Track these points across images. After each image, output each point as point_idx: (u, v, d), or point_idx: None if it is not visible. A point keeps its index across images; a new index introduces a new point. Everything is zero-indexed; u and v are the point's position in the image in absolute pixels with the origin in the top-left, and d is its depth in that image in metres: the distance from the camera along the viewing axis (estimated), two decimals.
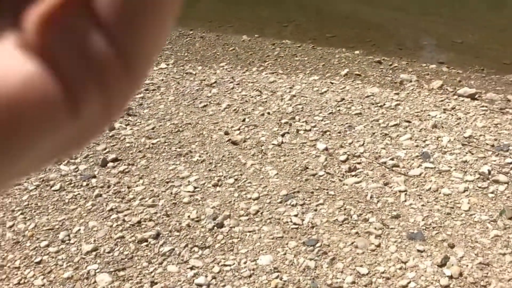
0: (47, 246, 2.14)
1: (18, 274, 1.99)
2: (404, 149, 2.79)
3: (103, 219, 2.29)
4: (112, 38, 0.16)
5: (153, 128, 3.15)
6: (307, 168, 2.66)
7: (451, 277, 1.89)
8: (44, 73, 0.16)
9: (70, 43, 0.16)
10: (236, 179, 2.58)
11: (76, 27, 0.16)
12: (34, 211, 2.36)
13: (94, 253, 2.09)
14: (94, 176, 2.63)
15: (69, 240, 2.17)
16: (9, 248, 2.13)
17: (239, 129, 3.09)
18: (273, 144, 2.91)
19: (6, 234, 2.21)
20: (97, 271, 1.99)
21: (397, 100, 3.39)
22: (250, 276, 1.94)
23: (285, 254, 2.06)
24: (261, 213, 2.31)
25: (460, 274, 1.91)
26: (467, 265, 1.95)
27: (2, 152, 0.15)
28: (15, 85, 0.15)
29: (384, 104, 3.33)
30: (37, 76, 0.16)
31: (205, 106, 3.45)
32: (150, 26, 0.17)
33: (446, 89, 3.56)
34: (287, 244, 2.11)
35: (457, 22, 5.17)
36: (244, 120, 3.21)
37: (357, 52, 4.42)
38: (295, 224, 2.23)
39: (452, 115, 3.15)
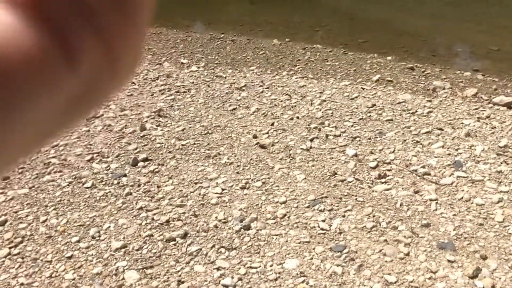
0: (78, 241, 2.18)
1: (50, 267, 2.04)
2: (435, 157, 2.74)
3: (132, 217, 2.33)
4: None
5: (183, 130, 3.19)
6: (336, 173, 2.64)
7: None
8: (32, 25, 0.15)
9: None
10: (263, 183, 2.58)
11: None
12: (66, 207, 2.42)
13: (123, 250, 2.12)
14: (125, 175, 2.68)
15: (99, 236, 2.21)
16: (42, 242, 2.19)
17: (267, 133, 3.09)
18: (301, 148, 2.90)
19: (39, 229, 2.27)
20: (125, 268, 2.02)
21: (429, 107, 3.33)
22: (276, 280, 1.94)
23: (311, 258, 2.04)
24: (288, 217, 2.30)
25: (493, 287, 1.85)
26: (500, 278, 1.90)
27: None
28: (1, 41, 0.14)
29: (416, 111, 3.28)
30: (25, 28, 0.14)
31: (234, 109, 3.47)
32: None
33: (481, 97, 3.47)
34: (314, 249, 2.10)
35: (494, 29, 5.05)
36: (273, 124, 3.21)
37: (389, 58, 4.37)
38: (322, 229, 2.21)
39: (487, 123, 3.07)
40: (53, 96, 0.15)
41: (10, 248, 2.15)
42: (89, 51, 0.15)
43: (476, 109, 3.28)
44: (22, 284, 1.95)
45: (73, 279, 1.97)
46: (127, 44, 0.17)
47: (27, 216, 2.36)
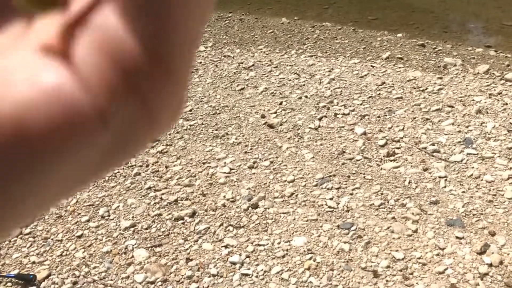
0: (88, 221, 2.21)
1: (61, 246, 2.08)
2: (445, 134, 2.70)
3: (141, 197, 2.35)
4: (141, 33, 0.14)
5: (190, 110, 3.19)
6: (344, 152, 2.62)
7: (490, 265, 1.84)
8: (69, 81, 0.14)
9: (94, 43, 0.14)
10: (271, 162, 2.58)
11: (101, 25, 0.14)
12: None
13: (132, 229, 2.15)
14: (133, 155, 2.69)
15: (109, 216, 2.24)
16: (52, 221, 2.22)
17: (275, 112, 3.08)
18: (310, 127, 2.88)
19: (50, 209, 2.30)
20: (134, 246, 2.05)
21: (440, 85, 3.28)
22: (283, 257, 1.95)
23: (319, 236, 2.05)
24: (296, 196, 2.30)
25: (501, 263, 1.85)
26: (508, 254, 1.88)
27: (33, 170, 0.14)
28: (40, 98, 0.14)
29: (427, 89, 3.23)
30: (62, 85, 0.14)
31: (242, 89, 3.45)
32: (184, 14, 0.15)
33: (493, 73, 3.41)
34: (321, 226, 2.10)
35: (509, 4, 4.92)
36: (281, 103, 3.19)
37: (399, 35, 4.30)
38: (330, 207, 2.21)
39: (498, 100, 3.02)
40: (84, 152, 0.15)
41: (21, 227, 2.19)
42: (122, 110, 0.15)
43: (487, 85, 3.22)
44: (33, 262, 1.99)
45: (84, 258, 2.00)
46: (169, 101, 0.16)
47: None
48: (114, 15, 0.14)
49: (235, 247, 2.02)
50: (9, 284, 1.89)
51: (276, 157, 2.61)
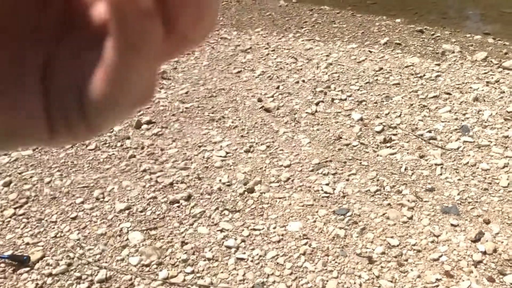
0: (82, 203, 2.20)
1: (55, 228, 2.06)
2: (442, 122, 2.70)
3: (136, 179, 2.33)
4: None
5: (186, 93, 3.16)
6: (341, 138, 2.61)
7: (484, 253, 1.85)
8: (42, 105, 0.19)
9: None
10: (268, 146, 2.57)
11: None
12: (70, 169, 2.43)
13: (127, 211, 2.14)
14: (128, 138, 2.67)
15: (103, 198, 2.22)
16: (46, 203, 2.20)
17: (272, 96, 3.06)
18: (306, 112, 2.87)
19: (44, 190, 2.28)
20: (129, 229, 2.04)
21: (437, 71, 3.26)
22: (279, 241, 1.95)
23: (314, 221, 2.05)
24: (292, 181, 2.30)
25: (495, 250, 1.86)
26: (502, 242, 1.90)
27: None
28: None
29: (424, 75, 3.22)
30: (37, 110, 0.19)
31: (239, 72, 3.42)
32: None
33: (491, 61, 3.40)
34: (317, 212, 2.10)
35: None
36: (278, 87, 3.17)
37: (398, 20, 4.26)
38: (326, 192, 2.21)
39: (496, 88, 3.01)
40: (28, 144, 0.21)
41: (15, 208, 2.17)
42: (70, 130, 0.20)
43: (485, 73, 3.21)
44: (27, 243, 1.98)
45: (78, 239, 1.99)
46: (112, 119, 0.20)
47: (31, 177, 2.37)
48: None
49: (231, 231, 2.02)
50: (2, 265, 1.87)
51: (273, 142, 2.60)
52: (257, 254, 1.90)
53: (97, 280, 1.81)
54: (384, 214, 2.07)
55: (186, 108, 2.97)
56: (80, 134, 0.20)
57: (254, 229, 2.02)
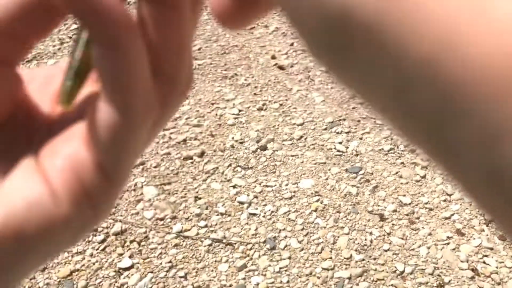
0: None
1: None
2: None
3: None
4: (97, 159, 0.22)
5: (199, 49, 3.12)
6: (355, 96, 2.58)
7: None
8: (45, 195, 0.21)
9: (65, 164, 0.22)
10: (281, 104, 2.55)
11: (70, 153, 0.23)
12: None
13: (141, 167, 2.16)
14: None
15: None
16: None
17: (286, 54, 3.01)
18: (321, 70, 2.82)
19: None
20: (144, 183, 2.07)
21: None
22: (291, 198, 1.97)
23: (327, 179, 2.06)
24: (305, 139, 2.29)
25: None
26: None
27: (26, 257, 0.22)
28: (29, 209, 0.21)
29: None
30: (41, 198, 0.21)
31: (252, 28, 3.36)
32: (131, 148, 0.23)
33: None
34: (329, 170, 2.10)
35: None
36: (292, 44, 3.11)
37: None
38: (338, 151, 2.20)
39: None
40: (58, 238, 0.23)
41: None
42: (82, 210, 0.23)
43: None
44: None
45: None
46: (109, 200, 0.23)
47: None
48: (81, 145, 0.22)
49: (243, 187, 2.04)
50: None
51: (286, 100, 2.58)
52: (269, 210, 1.92)
53: (112, 233, 1.86)
54: (397, 172, 2.07)
55: (198, 65, 2.94)
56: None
57: (267, 186, 2.04)
